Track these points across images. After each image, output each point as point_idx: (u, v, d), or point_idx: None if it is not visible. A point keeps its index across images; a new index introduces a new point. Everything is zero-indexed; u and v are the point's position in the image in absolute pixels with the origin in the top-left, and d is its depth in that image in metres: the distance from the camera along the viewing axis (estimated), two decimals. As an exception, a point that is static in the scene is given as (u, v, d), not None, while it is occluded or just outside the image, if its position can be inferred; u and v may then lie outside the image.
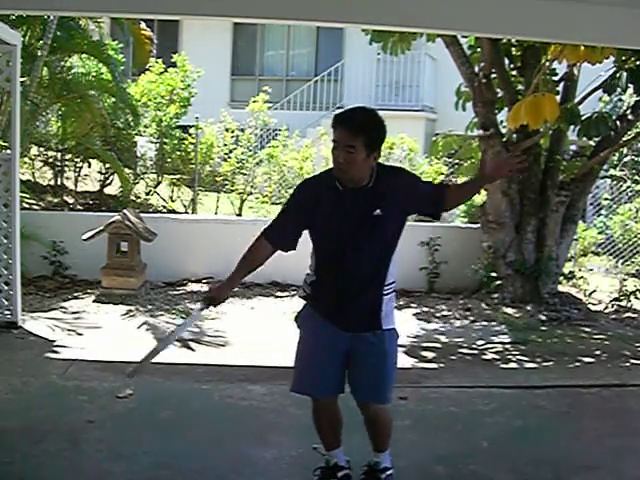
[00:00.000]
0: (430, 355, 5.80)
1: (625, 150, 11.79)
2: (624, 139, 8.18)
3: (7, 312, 5.99)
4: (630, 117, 7.90)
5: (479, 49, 7.96)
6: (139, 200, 10.61)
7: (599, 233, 10.86)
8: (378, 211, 2.98)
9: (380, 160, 3.04)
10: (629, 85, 7.68)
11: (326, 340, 3.07)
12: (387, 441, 3.27)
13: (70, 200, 10.47)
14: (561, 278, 8.13)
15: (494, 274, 7.81)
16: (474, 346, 6.11)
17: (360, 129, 2.89)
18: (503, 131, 7.85)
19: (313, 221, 3.03)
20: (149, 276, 7.66)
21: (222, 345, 5.91)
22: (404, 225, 3.08)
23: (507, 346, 6.16)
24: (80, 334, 5.96)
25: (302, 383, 3.14)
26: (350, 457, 3.30)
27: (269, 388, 4.74)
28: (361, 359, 3.07)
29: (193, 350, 5.72)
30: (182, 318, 3.13)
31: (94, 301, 7.10)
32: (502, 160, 3.21)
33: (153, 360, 3.12)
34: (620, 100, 12.26)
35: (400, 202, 3.01)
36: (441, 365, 5.55)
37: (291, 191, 10.45)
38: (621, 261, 10.51)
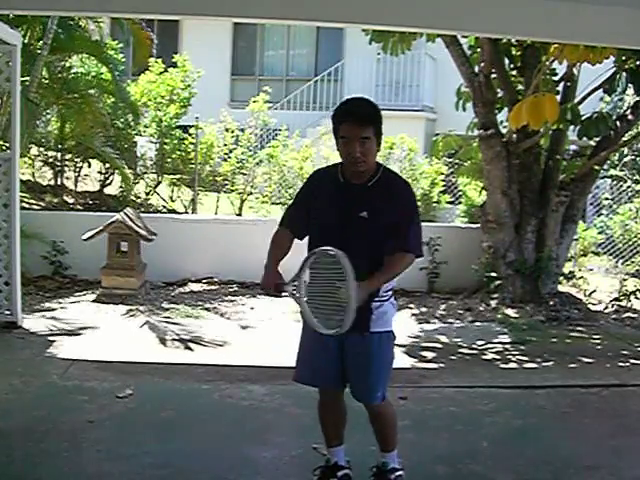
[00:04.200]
0: (430, 355, 5.80)
1: (625, 150, 11.81)
2: (624, 139, 8.19)
3: (7, 312, 5.99)
4: (630, 117, 7.90)
5: (479, 49, 7.96)
6: (139, 200, 10.61)
7: (599, 233, 10.87)
8: (364, 213, 2.99)
9: (380, 160, 3.07)
10: (629, 85, 7.68)
11: (318, 334, 3.07)
12: (390, 442, 3.26)
13: (70, 200, 10.47)
14: (561, 278, 8.12)
15: (494, 274, 7.81)
16: (474, 346, 6.11)
17: (370, 119, 2.95)
18: (503, 131, 7.86)
19: (311, 209, 3.11)
20: (149, 276, 7.66)
21: (222, 345, 5.91)
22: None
23: (507, 346, 6.16)
24: (80, 334, 5.96)
25: (298, 372, 3.21)
26: (351, 457, 3.29)
27: (269, 388, 4.74)
28: (349, 358, 3.10)
29: (191, 350, 5.72)
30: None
31: (94, 301, 7.09)
32: None
33: None
34: (621, 100, 12.28)
35: (385, 212, 3.00)
36: (441, 365, 5.55)
37: (291, 191, 10.39)
38: (621, 261, 10.51)
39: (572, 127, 7.57)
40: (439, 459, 3.71)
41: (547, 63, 7.24)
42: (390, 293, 3.11)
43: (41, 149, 10.42)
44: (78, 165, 10.73)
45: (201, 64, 11.11)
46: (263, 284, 3.07)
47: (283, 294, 3.03)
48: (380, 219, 2.99)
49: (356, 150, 2.93)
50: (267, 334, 6.33)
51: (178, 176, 10.74)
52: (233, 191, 10.73)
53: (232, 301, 7.49)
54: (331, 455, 3.28)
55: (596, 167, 8.04)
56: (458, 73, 7.93)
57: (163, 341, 5.93)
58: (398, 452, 3.28)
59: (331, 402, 3.23)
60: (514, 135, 7.71)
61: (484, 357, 5.85)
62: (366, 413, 3.23)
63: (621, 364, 5.71)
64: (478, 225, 8.24)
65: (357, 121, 2.93)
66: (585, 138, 7.76)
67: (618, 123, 7.86)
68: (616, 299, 7.95)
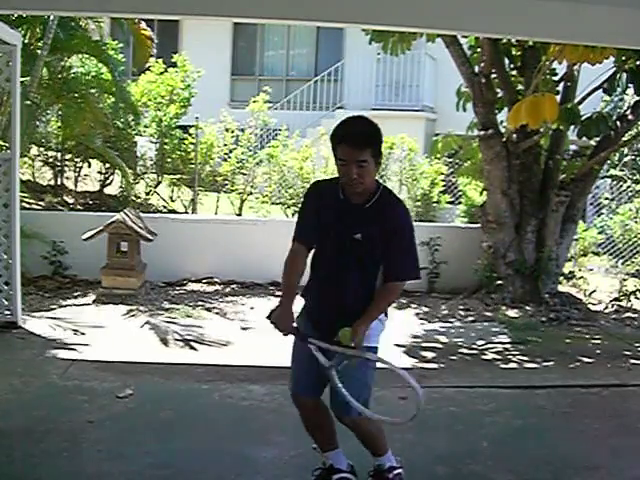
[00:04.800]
0: (430, 355, 5.80)
1: (625, 150, 11.80)
2: (624, 139, 8.19)
3: (7, 312, 5.99)
4: (630, 117, 7.90)
5: (479, 49, 7.96)
6: (139, 200, 10.61)
7: (599, 233, 10.86)
8: (359, 235, 2.97)
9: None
10: (629, 85, 7.68)
11: (303, 347, 3.06)
12: (380, 447, 3.23)
13: (70, 200, 10.47)
14: (561, 278, 8.13)
15: (494, 274, 7.81)
16: (474, 346, 6.11)
17: (367, 142, 2.89)
18: (503, 131, 7.86)
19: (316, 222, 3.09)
20: (149, 276, 7.66)
21: (222, 345, 5.91)
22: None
23: (507, 346, 6.16)
24: (80, 334, 5.96)
25: (291, 382, 3.23)
26: (352, 459, 3.28)
27: (269, 388, 4.74)
28: None
29: (196, 350, 5.72)
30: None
31: (94, 301, 7.09)
32: None
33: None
34: (621, 100, 12.27)
35: (379, 236, 2.97)
36: (441, 365, 5.55)
37: (291, 191, 10.37)
38: (621, 261, 10.51)
39: (572, 127, 7.57)
40: (439, 459, 3.71)
41: (547, 63, 7.24)
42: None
43: (41, 149, 10.42)
44: (78, 165, 10.72)
45: (201, 64, 11.10)
46: (276, 322, 3.02)
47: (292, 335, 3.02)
48: (373, 243, 2.98)
49: (353, 172, 2.88)
50: (267, 334, 6.29)
51: (178, 176, 10.74)
52: (233, 191, 10.72)
53: (232, 301, 7.48)
54: (328, 459, 3.26)
55: (596, 167, 8.04)
56: (458, 73, 7.93)
57: (163, 341, 5.93)
58: (396, 451, 3.28)
59: (309, 409, 3.20)
60: (514, 135, 7.71)
61: (484, 357, 5.85)
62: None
63: (621, 364, 5.71)
64: (478, 225, 8.24)
65: (354, 145, 2.86)
66: (585, 138, 7.76)
67: (618, 123, 7.86)
68: (616, 299, 7.95)
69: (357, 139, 2.88)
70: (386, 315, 3.12)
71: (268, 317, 3.06)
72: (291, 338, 3.11)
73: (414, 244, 3.05)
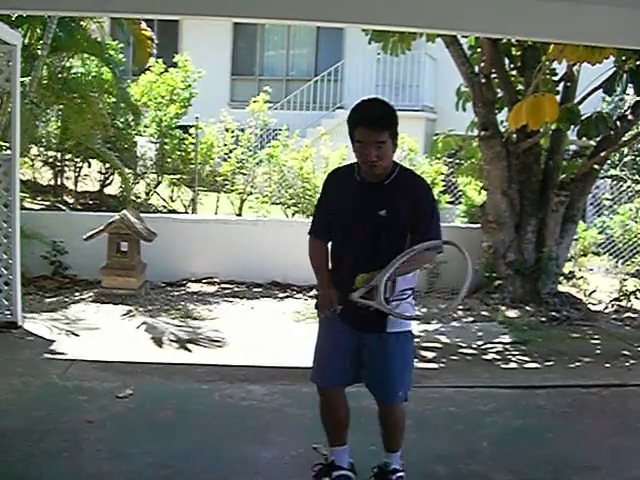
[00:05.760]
0: (430, 355, 5.80)
1: (625, 150, 11.80)
2: (624, 139, 8.18)
3: (7, 312, 5.98)
4: (630, 117, 7.90)
5: (479, 49, 7.96)
6: (139, 200, 10.61)
7: (599, 233, 10.86)
8: (383, 212, 2.99)
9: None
10: (629, 85, 7.68)
11: (336, 334, 3.12)
12: (398, 442, 3.27)
13: (70, 200, 10.47)
14: (561, 278, 8.12)
15: (494, 274, 7.81)
16: (474, 346, 6.11)
17: (386, 123, 2.93)
18: (503, 131, 7.85)
19: (334, 209, 3.12)
20: (149, 276, 7.66)
21: (222, 345, 5.91)
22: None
23: (507, 346, 6.16)
24: (80, 334, 5.96)
25: (314, 372, 3.22)
26: (351, 457, 3.29)
27: (269, 388, 4.74)
28: (367, 358, 3.11)
29: (190, 351, 5.72)
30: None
31: (94, 301, 7.09)
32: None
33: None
34: (621, 100, 12.28)
35: (403, 211, 3.00)
36: (441, 365, 5.55)
37: (291, 191, 10.35)
38: (621, 261, 10.51)
39: (572, 127, 7.57)
40: (439, 459, 3.71)
41: (547, 63, 7.24)
42: (409, 293, 3.09)
43: (41, 149, 10.42)
44: (78, 165, 10.73)
45: (201, 64, 11.11)
46: (324, 305, 3.05)
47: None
48: (398, 218, 3.00)
49: (372, 154, 2.92)
50: (267, 334, 6.33)
51: (178, 176, 10.75)
52: (233, 191, 10.72)
53: (232, 301, 7.48)
54: (331, 454, 3.27)
55: (596, 167, 8.03)
56: (458, 73, 7.93)
57: (163, 341, 5.93)
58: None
59: (332, 402, 3.22)
60: (514, 135, 7.71)
61: (484, 357, 5.85)
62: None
63: (621, 364, 5.71)
64: (478, 225, 8.23)
65: (372, 126, 2.90)
66: (585, 138, 7.76)
67: (618, 123, 7.86)
68: (616, 299, 7.95)
69: (375, 121, 2.92)
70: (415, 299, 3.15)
71: (316, 307, 3.14)
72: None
73: (438, 217, 3.10)
